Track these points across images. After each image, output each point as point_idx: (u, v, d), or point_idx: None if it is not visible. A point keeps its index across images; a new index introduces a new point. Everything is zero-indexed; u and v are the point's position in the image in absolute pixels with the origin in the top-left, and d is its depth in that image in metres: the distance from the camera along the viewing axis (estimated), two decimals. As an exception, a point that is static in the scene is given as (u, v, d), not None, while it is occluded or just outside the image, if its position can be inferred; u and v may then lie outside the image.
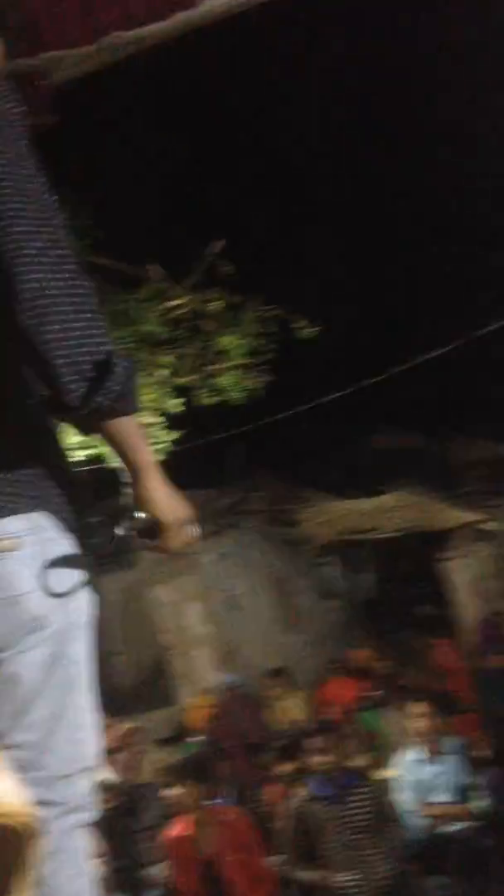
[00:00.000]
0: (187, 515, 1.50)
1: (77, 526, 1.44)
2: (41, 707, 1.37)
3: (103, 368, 1.34)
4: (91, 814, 1.43)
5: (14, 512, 1.38)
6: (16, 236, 1.34)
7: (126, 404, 1.39)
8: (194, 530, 1.52)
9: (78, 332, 1.34)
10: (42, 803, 1.29)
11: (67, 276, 1.36)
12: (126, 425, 1.41)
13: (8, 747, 1.31)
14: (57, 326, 1.33)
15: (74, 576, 1.42)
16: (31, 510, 1.39)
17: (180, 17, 3.13)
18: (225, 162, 8.36)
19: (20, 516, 1.38)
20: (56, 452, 1.48)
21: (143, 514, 1.47)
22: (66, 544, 1.41)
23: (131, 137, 7.73)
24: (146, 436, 1.50)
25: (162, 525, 1.47)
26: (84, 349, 1.34)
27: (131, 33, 3.31)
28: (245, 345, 7.45)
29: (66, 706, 1.39)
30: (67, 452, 1.56)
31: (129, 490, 1.48)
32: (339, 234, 9.20)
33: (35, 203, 1.38)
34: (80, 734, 1.41)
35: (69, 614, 1.41)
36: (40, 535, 1.39)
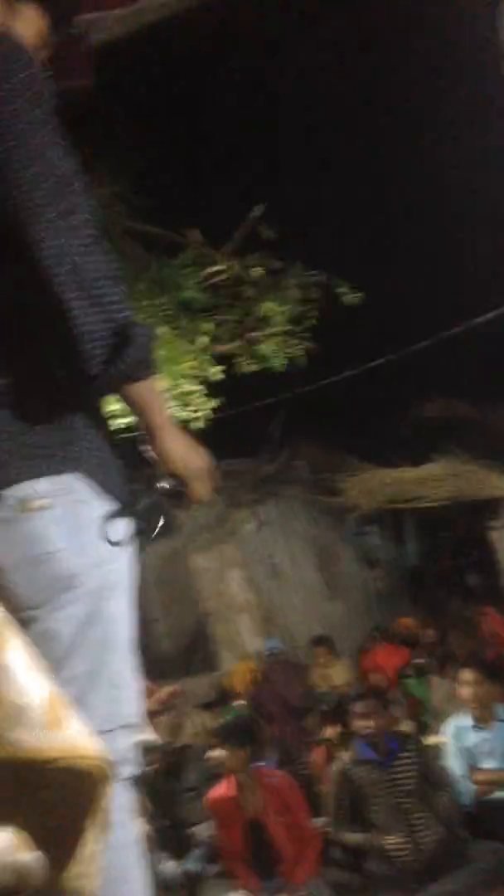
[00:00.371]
0: (207, 466, 1.52)
1: (114, 490, 1.45)
2: (77, 664, 1.38)
3: (122, 337, 1.36)
4: (133, 769, 1.44)
5: (43, 473, 1.39)
6: (37, 201, 1.34)
7: (144, 371, 1.41)
8: (214, 480, 1.55)
9: (97, 300, 1.35)
10: None
11: (88, 242, 1.36)
12: (143, 388, 1.44)
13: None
14: (76, 294, 1.34)
15: (111, 537, 1.42)
16: (62, 473, 1.40)
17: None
18: (267, 125, 8.23)
19: (50, 478, 1.39)
20: (91, 417, 1.48)
21: (165, 482, 1.51)
22: (98, 507, 1.42)
23: (172, 101, 7.64)
24: (162, 397, 1.52)
25: (183, 477, 1.50)
26: (103, 317, 1.35)
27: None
28: (287, 311, 7.38)
29: (103, 664, 1.40)
30: (108, 419, 1.57)
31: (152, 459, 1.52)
32: (384, 199, 9.03)
33: (55, 168, 1.38)
34: (119, 692, 1.42)
35: (105, 574, 1.42)
36: (71, 496, 1.40)
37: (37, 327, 1.39)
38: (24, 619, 1.35)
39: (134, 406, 1.47)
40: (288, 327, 7.41)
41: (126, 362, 1.37)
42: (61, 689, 1.35)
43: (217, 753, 4.69)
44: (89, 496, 1.41)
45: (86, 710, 1.35)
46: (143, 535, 1.51)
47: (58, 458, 1.40)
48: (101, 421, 1.51)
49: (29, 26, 1.62)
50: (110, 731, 1.39)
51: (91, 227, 1.37)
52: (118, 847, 1.34)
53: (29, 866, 0.97)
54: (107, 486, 1.44)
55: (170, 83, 7.45)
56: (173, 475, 1.51)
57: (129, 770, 1.42)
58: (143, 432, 1.50)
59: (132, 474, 1.54)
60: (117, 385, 1.42)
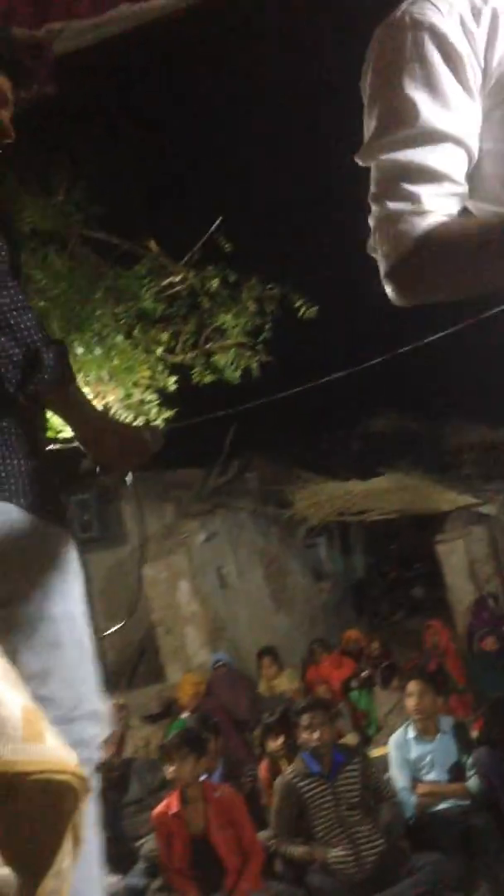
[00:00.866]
0: (131, 441, 1.69)
1: (45, 505, 1.57)
2: (31, 663, 1.48)
3: (33, 360, 1.54)
4: (92, 754, 1.55)
5: None
6: None
7: (57, 386, 1.58)
8: (147, 447, 1.70)
9: (9, 330, 1.53)
10: None
11: None
12: (61, 397, 1.62)
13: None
14: None
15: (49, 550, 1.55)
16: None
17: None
18: (227, 138, 8.29)
19: None
20: (17, 439, 1.60)
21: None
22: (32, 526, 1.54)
23: (132, 112, 7.64)
24: (83, 400, 1.71)
25: (108, 460, 1.67)
26: (14, 344, 1.53)
27: (137, 6, 3.28)
28: (243, 323, 7.41)
29: (55, 662, 1.51)
30: (47, 431, 1.80)
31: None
32: (340, 214, 9.13)
33: None
34: (76, 687, 1.54)
35: (49, 581, 1.53)
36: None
37: None
38: None
39: (57, 412, 1.65)
40: (243, 339, 7.44)
41: (40, 383, 1.55)
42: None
43: (166, 768, 4.66)
44: (22, 517, 1.53)
45: (46, 703, 1.41)
46: (87, 541, 1.62)
47: None
48: (29, 439, 1.62)
49: None
50: (71, 719, 1.49)
51: None
52: (84, 859, 1.35)
53: (3, 880, 0.97)
54: (36, 505, 1.55)
55: (132, 94, 7.46)
56: (99, 462, 1.66)
57: (85, 754, 1.49)
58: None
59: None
60: (35, 400, 1.58)
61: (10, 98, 1.80)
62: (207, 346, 7.51)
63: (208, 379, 7.47)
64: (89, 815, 1.37)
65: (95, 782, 1.48)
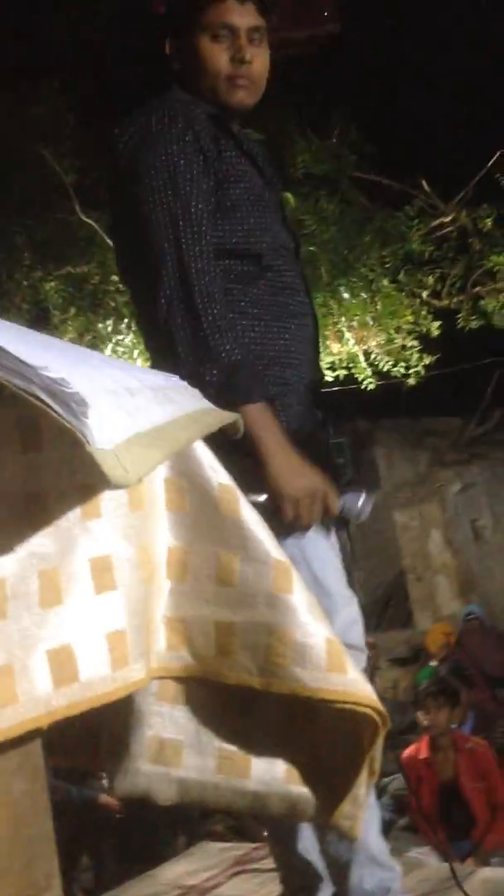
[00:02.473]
0: (313, 490, 1.58)
1: None
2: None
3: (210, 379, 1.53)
4: None
5: None
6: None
7: (235, 401, 1.49)
8: (319, 505, 1.59)
9: (192, 355, 1.55)
10: None
11: (190, 297, 1.57)
12: (246, 416, 1.49)
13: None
14: (179, 349, 1.57)
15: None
16: None
17: None
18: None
19: None
20: None
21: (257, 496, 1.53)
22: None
23: (407, 55, 7.40)
24: (269, 419, 1.58)
25: (277, 496, 1.56)
26: (200, 369, 1.53)
27: None
28: (515, 265, 7.03)
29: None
30: None
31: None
32: None
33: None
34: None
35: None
36: None
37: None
38: None
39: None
40: (514, 281, 7.08)
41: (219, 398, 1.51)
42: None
43: (419, 715, 4.70)
44: None
45: None
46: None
47: None
48: None
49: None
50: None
51: (195, 279, 1.63)
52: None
53: (301, 798, 1.03)
54: None
55: (413, 32, 7.20)
56: (268, 492, 1.56)
57: None
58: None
59: None
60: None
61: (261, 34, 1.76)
62: (476, 289, 7.22)
63: (474, 324, 7.20)
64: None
65: None
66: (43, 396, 0.74)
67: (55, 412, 0.74)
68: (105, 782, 4.14)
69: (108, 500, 0.94)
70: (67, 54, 6.10)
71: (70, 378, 0.80)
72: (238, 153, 1.76)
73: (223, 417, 1.08)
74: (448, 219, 7.06)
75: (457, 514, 10.17)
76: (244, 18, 1.75)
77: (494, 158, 6.63)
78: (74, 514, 0.92)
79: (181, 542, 1.05)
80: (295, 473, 1.56)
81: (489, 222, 6.79)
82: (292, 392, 1.70)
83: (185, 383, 1.11)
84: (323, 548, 1.68)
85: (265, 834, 4.06)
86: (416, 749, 4.74)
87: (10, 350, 0.76)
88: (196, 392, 1.12)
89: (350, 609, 1.68)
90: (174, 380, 1.08)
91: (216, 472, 1.05)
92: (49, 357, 0.81)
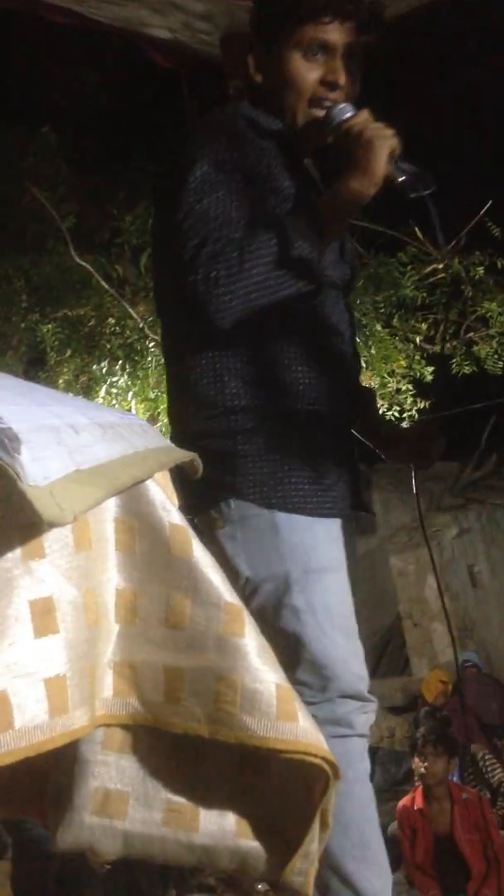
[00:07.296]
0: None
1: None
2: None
3: None
4: (349, 731, 1.53)
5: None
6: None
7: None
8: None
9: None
10: None
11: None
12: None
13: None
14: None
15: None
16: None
17: None
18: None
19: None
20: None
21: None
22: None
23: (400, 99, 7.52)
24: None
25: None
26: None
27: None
28: (508, 312, 7.08)
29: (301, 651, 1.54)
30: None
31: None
32: None
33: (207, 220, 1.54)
34: (326, 669, 1.53)
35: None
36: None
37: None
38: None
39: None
40: (507, 329, 7.12)
41: None
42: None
43: (416, 763, 4.60)
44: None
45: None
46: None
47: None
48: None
49: None
50: (323, 702, 1.50)
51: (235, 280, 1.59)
52: (363, 800, 1.45)
53: (251, 853, 0.99)
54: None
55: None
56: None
57: (342, 731, 1.50)
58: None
59: None
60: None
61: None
62: (469, 335, 7.27)
63: (468, 370, 7.23)
64: (366, 792, 1.40)
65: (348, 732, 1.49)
66: (-30, 432, 0.72)
67: (-17, 448, 0.72)
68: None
69: (51, 540, 0.92)
70: (64, 101, 6.22)
71: (4, 413, 0.79)
72: (293, 175, 1.66)
73: (178, 456, 1.06)
74: (441, 265, 7.12)
75: (453, 560, 10.10)
76: (343, 36, 1.60)
77: (486, 207, 6.72)
78: (14, 554, 0.89)
79: (131, 583, 1.02)
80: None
81: (481, 270, 6.86)
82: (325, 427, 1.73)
83: (141, 421, 1.10)
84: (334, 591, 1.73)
85: (258, 887, 3.96)
86: (411, 799, 4.63)
87: None
88: (154, 430, 1.10)
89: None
90: (129, 417, 1.07)
91: (169, 513, 1.03)
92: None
